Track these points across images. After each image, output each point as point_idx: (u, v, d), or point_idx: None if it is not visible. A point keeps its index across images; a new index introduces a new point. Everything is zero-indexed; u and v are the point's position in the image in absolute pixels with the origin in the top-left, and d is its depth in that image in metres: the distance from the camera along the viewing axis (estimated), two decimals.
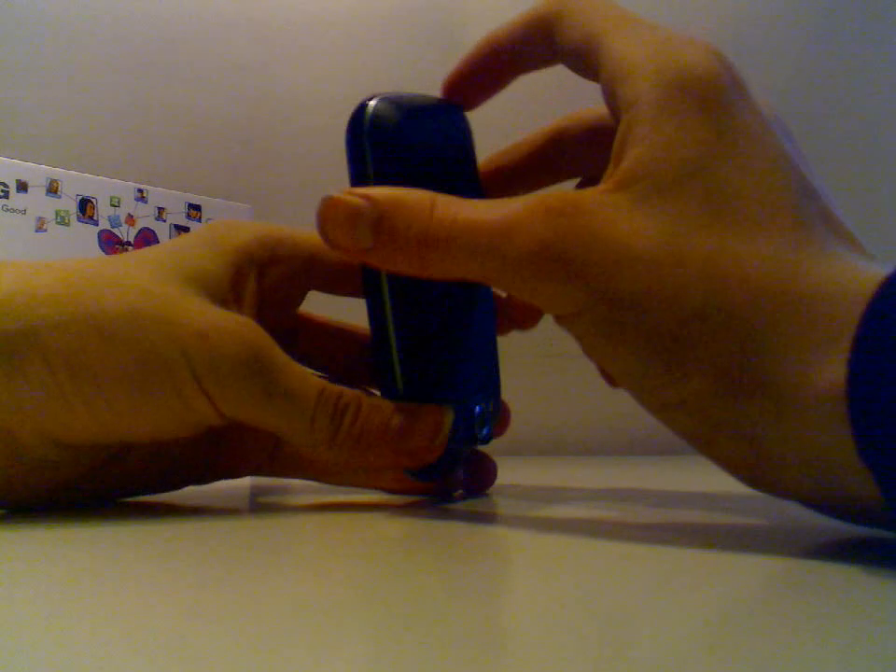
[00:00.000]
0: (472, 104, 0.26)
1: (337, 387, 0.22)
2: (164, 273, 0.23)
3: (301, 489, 0.31)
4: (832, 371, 0.15)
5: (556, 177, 0.27)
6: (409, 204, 0.19)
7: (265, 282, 0.25)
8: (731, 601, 0.13)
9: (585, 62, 0.22)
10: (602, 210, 0.18)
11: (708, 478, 0.30)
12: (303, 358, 0.26)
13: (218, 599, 0.13)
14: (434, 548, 0.18)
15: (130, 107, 0.56)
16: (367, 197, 0.20)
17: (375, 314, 0.23)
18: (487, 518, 0.23)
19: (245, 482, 0.34)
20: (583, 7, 0.22)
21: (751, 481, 0.18)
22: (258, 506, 0.27)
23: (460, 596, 0.13)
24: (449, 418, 0.22)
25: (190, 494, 0.27)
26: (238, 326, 0.22)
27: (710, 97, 0.18)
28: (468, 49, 0.25)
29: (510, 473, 0.30)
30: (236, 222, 0.26)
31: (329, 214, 0.20)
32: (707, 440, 0.17)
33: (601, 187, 0.18)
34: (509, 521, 0.22)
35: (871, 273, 0.16)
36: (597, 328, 0.18)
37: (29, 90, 0.55)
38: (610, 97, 0.20)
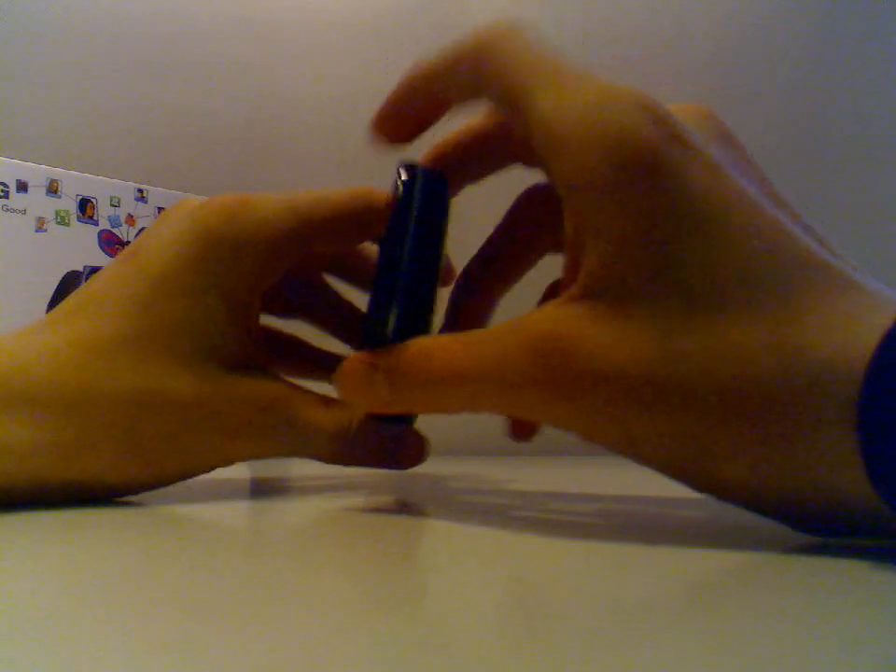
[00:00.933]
0: (402, 140, 0.26)
1: (346, 411, 0.26)
2: (182, 352, 0.24)
3: (301, 489, 0.31)
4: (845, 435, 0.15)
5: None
6: (411, 359, 0.21)
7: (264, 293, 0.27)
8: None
9: (511, 116, 0.21)
10: (584, 336, 0.17)
11: None
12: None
13: (218, 598, 0.13)
14: (434, 546, 0.18)
15: (130, 107, 0.56)
16: (374, 365, 0.21)
17: (389, 264, 0.23)
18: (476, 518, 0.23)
19: (245, 480, 0.34)
20: (507, 51, 0.21)
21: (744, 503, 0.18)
22: (257, 499, 0.27)
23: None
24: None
25: (190, 494, 0.27)
26: (256, 397, 0.25)
27: (656, 168, 0.17)
28: (395, 84, 0.25)
29: (508, 473, 0.30)
30: (226, 246, 0.25)
31: (347, 383, 0.22)
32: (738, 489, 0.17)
33: (570, 298, 0.18)
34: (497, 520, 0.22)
35: (867, 324, 0.15)
36: (616, 444, 0.18)
37: (29, 90, 0.55)
38: (546, 167, 0.19)
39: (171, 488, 0.26)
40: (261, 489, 0.31)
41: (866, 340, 0.15)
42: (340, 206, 0.26)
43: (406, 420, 0.27)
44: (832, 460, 0.15)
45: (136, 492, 0.25)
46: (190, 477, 0.25)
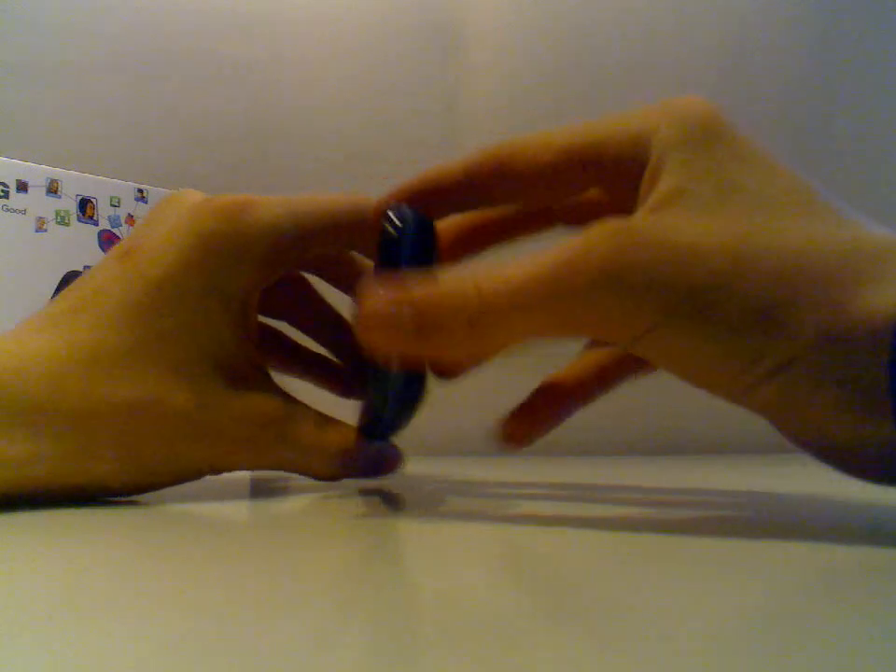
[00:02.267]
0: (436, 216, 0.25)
1: (347, 434, 0.27)
2: (181, 363, 0.24)
3: (300, 488, 0.31)
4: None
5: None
6: (452, 294, 0.19)
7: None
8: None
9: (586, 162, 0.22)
10: (659, 222, 0.18)
11: (698, 475, 0.30)
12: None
13: (218, 598, 0.13)
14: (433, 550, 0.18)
15: (130, 107, 0.56)
16: (406, 302, 0.19)
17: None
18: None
19: (245, 478, 0.34)
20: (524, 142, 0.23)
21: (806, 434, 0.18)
22: (257, 501, 0.27)
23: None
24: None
25: (188, 493, 0.27)
26: (256, 412, 0.25)
27: (720, 129, 0.20)
28: (416, 176, 0.24)
29: (505, 472, 0.30)
30: (227, 249, 0.24)
31: (371, 323, 0.19)
32: (804, 407, 0.17)
33: (643, 210, 0.19)
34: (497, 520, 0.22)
35: None
36: (675, 335, 0.18)
37: (29, 90, 0.55)
38: (630, 159, 0.21)
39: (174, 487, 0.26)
40: (261, 488, 0.31)
41: None
42: (338, 213, 0.26)
43: (387, 433, 0.27)
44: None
45: (129, 495, 0.25)
46: (184, 482, 0.25)
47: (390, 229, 0.23)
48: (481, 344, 0.19)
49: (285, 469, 0.26)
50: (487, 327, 0.18)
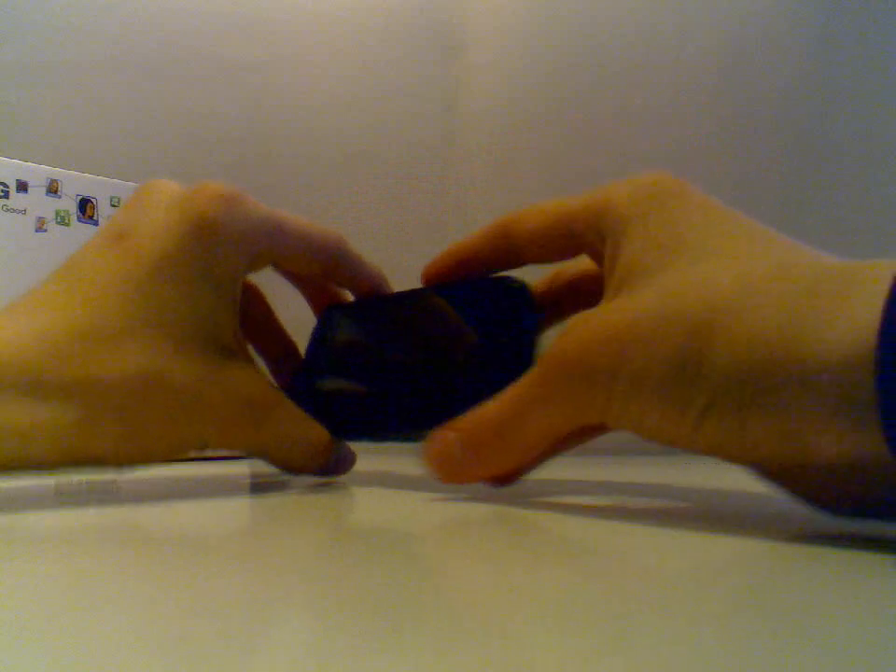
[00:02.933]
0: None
1: (323, 438, 0.29)
2: (179, 337, 0.25)
3: (300, 488, 0.31)
4: (859, 340, 0.15)
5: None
6: (480, 420, 0.23)
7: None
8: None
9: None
10: (607, 309, 0.21)
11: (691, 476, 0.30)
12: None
13: (219, 599, 0.13)
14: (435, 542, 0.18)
15: (130, 107, 0.56)
16: (457, 430, 0.23)
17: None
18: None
19: (245, 479, 0.34)
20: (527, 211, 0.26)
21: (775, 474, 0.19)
22: (256, 495, 0.27)
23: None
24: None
25: (187, 495, 0.27)
26: (245, 392, 0.26)
27: (670, 190, 0.23)
28: (442, 252, 0.28)
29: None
30: (220, 235, 0.26)
31: (438, 456, 0.24)
32: (739, 439, 0.18)
33: (605, 297, 0.22)
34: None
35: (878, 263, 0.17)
36: (623, 405, 0.20)
37: (29, 90, 0.55)
38: (593, 231, 0.24)
39: (174, 484, 0.26)
40: (260, 486, 0.31)
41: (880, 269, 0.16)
42: (313, 235, 0.29)
43: (343, 434, 0.30)
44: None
45: (126, 466, 0.25)
46: (176, 457, 0.26)
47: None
48: (513, 449, 0.22)
49: (263, 456, 0.28)
50: (512, 432, 0.22)
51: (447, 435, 0.23)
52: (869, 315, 0.15)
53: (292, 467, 0.29)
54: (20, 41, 0.55)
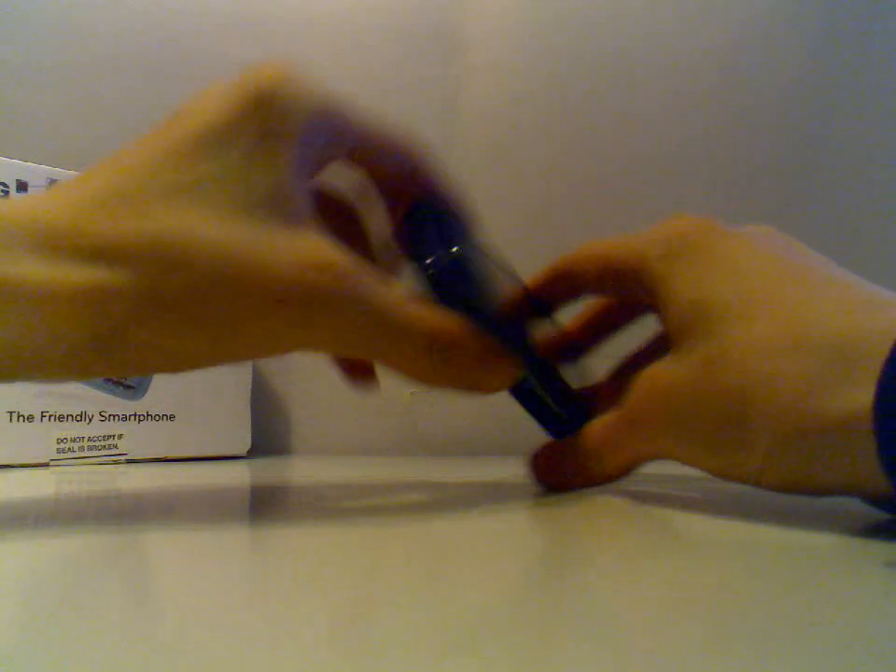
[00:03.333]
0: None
1: (452, 318, 0.23)
2: (225, 204, 0.21)
3: (301, 491, 0.31)
4: (859, 398, 0.18)
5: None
6: (583, 440, 0.28)
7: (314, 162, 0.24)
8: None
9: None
10: (661, 370, 0.25)
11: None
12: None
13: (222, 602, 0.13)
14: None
15: (130, 107, 0.56)
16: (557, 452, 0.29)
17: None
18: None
19: (246, 484, 0.33)
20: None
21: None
22: (258, 501, 0.27)
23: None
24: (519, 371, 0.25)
25: (186, 497, 0.27)
26: (314, 254, 0.21)
27: (697, 243, 0.25)
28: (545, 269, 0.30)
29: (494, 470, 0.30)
30: (278, 103, 0.23)
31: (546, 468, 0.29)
32: (805, 485, 0.21)
33: (667, 357, 0.25)
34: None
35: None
36: (677, 453, 0.24)
37: (29, 90, 0.55)
38: (632, 279, 0.26)
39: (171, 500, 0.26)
40: (261, 499, 0.31)
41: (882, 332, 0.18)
42: (394, 128, 0.26)
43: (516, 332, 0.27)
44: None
45: (168, 368, 0.21)
46: (229, 361, 0.22)
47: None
48: (601, 474, 0.27)
49: (346, 348, 0.22)
50: (597, 463, 0.27)
51: (556, 451, 0.28)
52: (868, 382, 0.18)
53: (404, 364, 0.23)
54: (20, 41, 0.55)
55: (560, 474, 0.28)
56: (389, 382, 0.27)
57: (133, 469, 0.39)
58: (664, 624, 0.11)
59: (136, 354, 0.20)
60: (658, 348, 0.30)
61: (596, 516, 0.23)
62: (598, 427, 0.27)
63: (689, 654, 0.10)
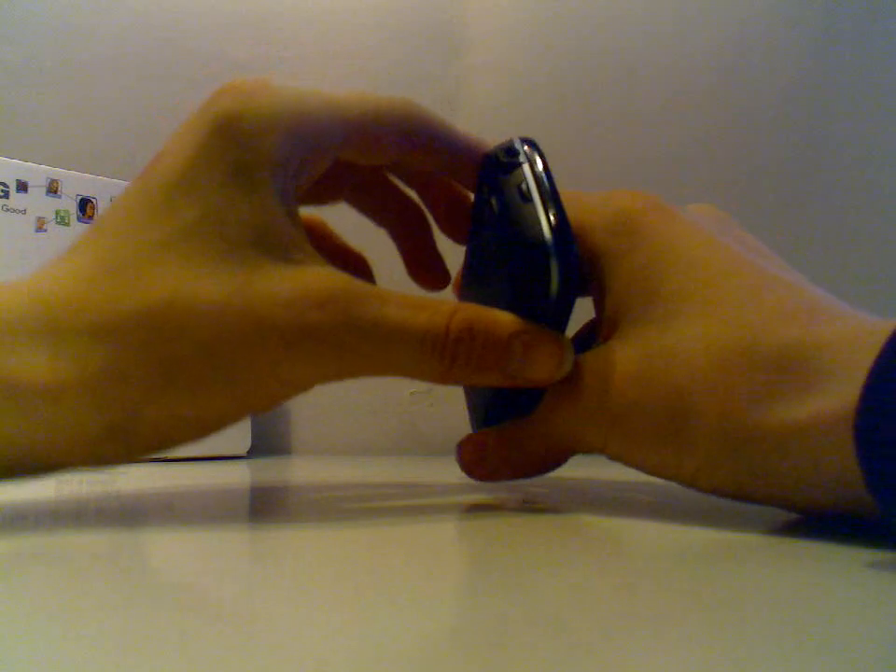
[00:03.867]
0: None
1: (445, 311, 0.21)
2: (211, 252, 0.20)
3: (301, 491, 0.31)
4: (839, 403, 0.17)
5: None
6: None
7: (299, 183, 0.23)
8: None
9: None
10: (600, 357, 0.23)
11: None
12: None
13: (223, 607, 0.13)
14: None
15: (130, 107, 0.56)
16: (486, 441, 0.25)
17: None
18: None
19: (246, 489, 0.33)
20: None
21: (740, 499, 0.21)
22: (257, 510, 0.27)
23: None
24: (570, 350, 0.23)
25: (186, 497, 0.27)
26: (311, 291, 0.20)
27: (637, 229, 0.23)
28: None
29: None
30: (245, 125, 0.21)
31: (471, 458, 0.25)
32: (735, 492, 0.20)
33: (601, 334, 0.24)
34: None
35: (874, 324, 0.18)
36: (618, 451, 0.22)
37: (29, 90, 0.55)
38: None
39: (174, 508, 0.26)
40: (262, 499, 0.31)
41: (873, 332, 0.17)
42: (380, 109, 0.23)
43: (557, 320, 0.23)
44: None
45: (191, 437, 0.20)
46: (252, 412, 0.21)
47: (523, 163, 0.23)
48: (530, 464, 0.25)
49: (369, 369, 0.21)
50: (520, 452, 0.25)
51: (482, 441, 0.25)
52: (841, 389, 0.17)
53: (406, 368, 0.21)
54: (20, 41, 0.55)
55: (490, 465, 0.25)
56: (389, 382, 0.27)
57: (133, 469, 0.39)
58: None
59: (156, 432, 0.20)
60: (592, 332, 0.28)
61: (594, 516, 0.23)
62: (530, 421, 0.24)
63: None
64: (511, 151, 0.24)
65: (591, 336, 0.26)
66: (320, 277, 0.20)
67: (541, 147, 0.24)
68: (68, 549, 0.17)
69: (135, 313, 0.19)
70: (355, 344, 0.20)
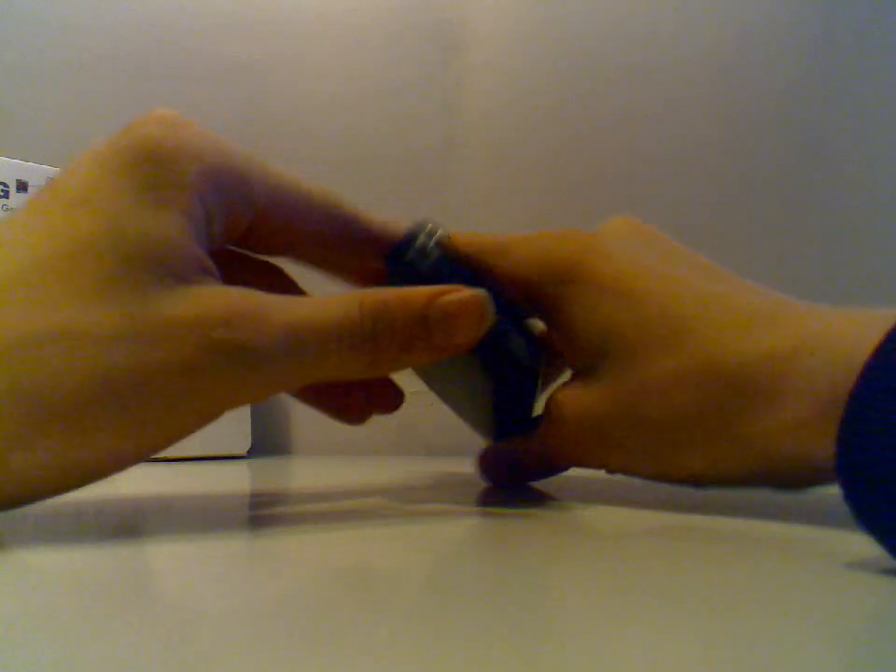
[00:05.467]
0: None
1: (352, 299, 0.20)
2: (102, 273, 0.18)
3: (301, 491, 0.31)
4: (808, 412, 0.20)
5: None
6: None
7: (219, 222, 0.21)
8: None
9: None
10: (566, 402, 0.25)
11: None
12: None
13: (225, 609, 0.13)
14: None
15: (130, 107, 0.56)
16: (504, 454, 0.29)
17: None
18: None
19: (246, 494, 0.33)
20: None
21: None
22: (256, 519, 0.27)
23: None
24: (488, 300, 0.22)
25: (185, 497, 0.27)
26: (214, 309, 0.19)
27: (575, 277, 0.25)
28: None
29: None
30: (167, 151, 0.20)
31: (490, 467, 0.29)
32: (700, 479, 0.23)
33: (561, 386, 0.26)
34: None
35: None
36: (619, 468, 0.25)
37: (29, 90, 0.55)
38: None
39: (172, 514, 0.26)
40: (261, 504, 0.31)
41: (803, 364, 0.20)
42: (301, 183, 0.23)
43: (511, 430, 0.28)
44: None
45: (77, 484, 0.18)
46: (157, 450, 0.19)
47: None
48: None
49: (287, 379, 0.20)
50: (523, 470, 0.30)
51: (501, 454, 0.29)
52: (796, 409, 0.20)
53: (334, 366, 0.20)
54: (20, 41, 0.55)
55: (500, 474, 0.29)
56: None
57: (133, 468, 0.38)
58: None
59: (26, 482, 0.17)
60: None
61: (592, 518, 0.23)
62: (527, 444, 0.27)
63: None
64: (406, 245, 0.25)
65: (540, 345, 0.27)
66: (222, 294, 0.19)
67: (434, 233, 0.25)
68: (68, 549, 0.17)
69: (15, 343, 0.17)
70: (269, 356, 0.19)
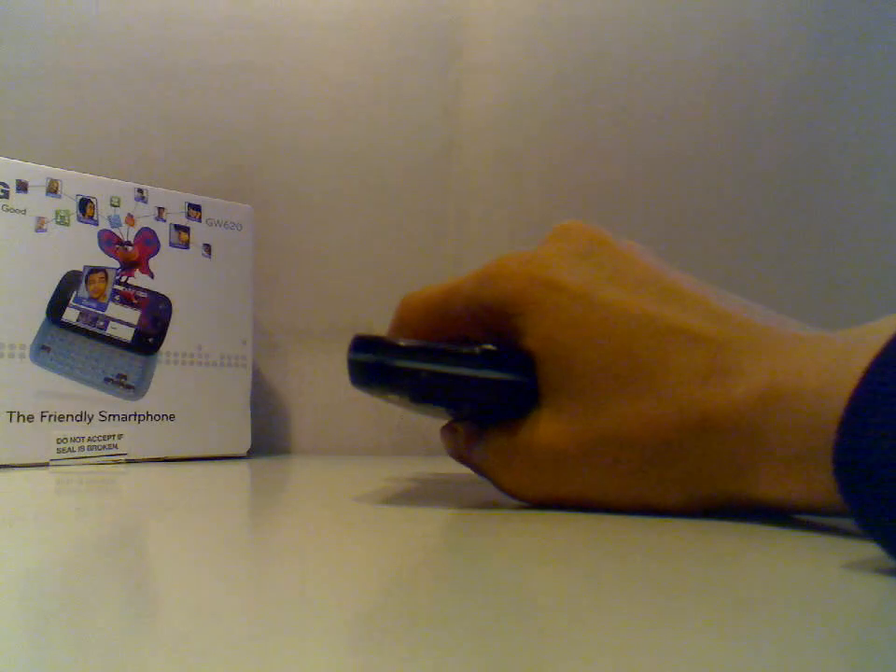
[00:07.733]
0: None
1: None
2: None
3: (301, 491, 0.31)
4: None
5: None
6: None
7: None
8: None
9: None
10: (531, 437, 0.24)
11: None
12: None
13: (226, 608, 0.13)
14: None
15: (130, 108, 0.56)
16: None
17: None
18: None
19: (246, 497, 0.33)
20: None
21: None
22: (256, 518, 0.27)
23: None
24: None
25: (185, 498, 0.27)
26: None
27: (541, 306, 0.24)
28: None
29: None
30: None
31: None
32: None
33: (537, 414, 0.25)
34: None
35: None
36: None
37: (29, 90, 0.55)
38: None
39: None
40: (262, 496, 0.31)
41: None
42: None
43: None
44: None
45: None
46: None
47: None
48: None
49: None
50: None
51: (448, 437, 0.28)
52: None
53: None
54: (20, 42, 0.55)
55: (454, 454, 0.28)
56: None
57: (133, 469, 0.39)
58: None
59: None
60: None
61: (591, 517, 0.23)
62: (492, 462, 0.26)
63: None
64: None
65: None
66: None
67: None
68: (67, 549, 0.17)
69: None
70: None
